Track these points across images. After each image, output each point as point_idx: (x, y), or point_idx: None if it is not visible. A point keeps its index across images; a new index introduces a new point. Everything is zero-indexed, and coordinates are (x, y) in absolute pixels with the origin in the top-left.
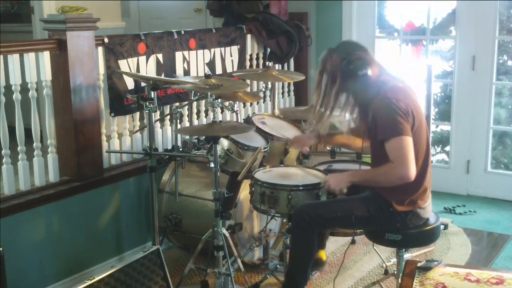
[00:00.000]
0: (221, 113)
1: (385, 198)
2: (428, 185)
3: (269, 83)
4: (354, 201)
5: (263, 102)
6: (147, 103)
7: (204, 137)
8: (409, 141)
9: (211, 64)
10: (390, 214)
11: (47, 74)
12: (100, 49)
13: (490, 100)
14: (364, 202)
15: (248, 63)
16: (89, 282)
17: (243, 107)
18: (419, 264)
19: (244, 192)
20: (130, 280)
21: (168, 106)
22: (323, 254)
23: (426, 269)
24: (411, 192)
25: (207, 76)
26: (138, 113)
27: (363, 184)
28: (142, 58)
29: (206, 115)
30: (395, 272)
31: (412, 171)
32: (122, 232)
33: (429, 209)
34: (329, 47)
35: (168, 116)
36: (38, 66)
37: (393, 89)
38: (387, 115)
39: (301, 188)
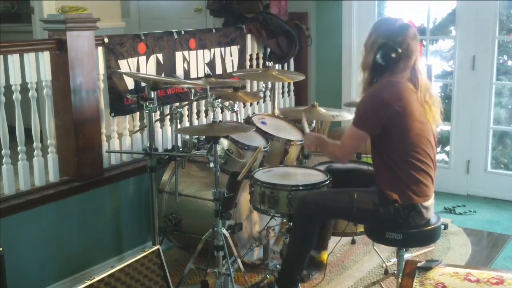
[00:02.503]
0: (221, 113)
1: (388, 193)
2: (427, 182)
3: (269, 83)
4: (360, 194)
5: (263, 102)
6: (147, 103)
7: (204, 137)
8: (361, 135)
9: (211, 64)
10: (394, 210)
11: (47, 74)
12: (100, 49)
13: (490, 100)
14: (369, 195)
15: (248, 63)
16: (89, 282)
17: (243, 107)
18: (419, 264)
19: (244, 192)
20: (130, 280)
21: (168, 106)
22: (324, 256)
23: (426, 269)
24: (404, 184)
25: (207, 76)
26: (138, 113)
27: (319, 148)
28: (142, 58)
29: (206, 115)
30: (395, 272)
31: (343, 156)
32: (122, 232)
33: (431, 209)
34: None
35: (168, 116)
36: (38, 66)
37: (385, 84)
38: (362, 103)
39: (301, 188)
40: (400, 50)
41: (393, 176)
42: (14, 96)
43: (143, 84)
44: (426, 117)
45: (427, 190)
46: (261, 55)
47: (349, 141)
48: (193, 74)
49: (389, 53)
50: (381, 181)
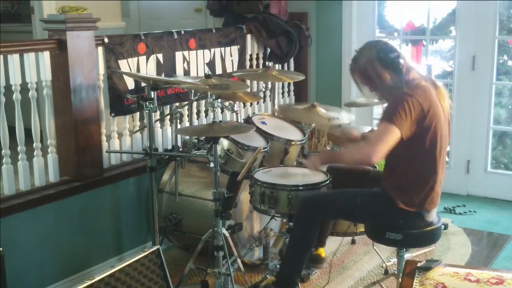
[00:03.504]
0: (221, 113)
1: (392, 197)
2: (438, 189)
3: (269, 83)
4: (363, 194)
5: (263, 102)
6: (147, 103)
7: (204, 137)
8: (394, 132)
9: (211, 64)
10: (395, 211)
11: (47, 74)
12: (100, 49)
13: (490, 100)
14: (372, 196)
15: (248, 63)
16: (89, 282)
17: (243, 107)
18: (419, 264)
19: (244, 192)
20: (130, 280)
21: (168, 106)
22: (322, 251)
23: (426, 269)
24: (418, 193)
25: (207, 76)
26: (138, 113)
27: (332, 163)
28: (142, 58)
29: (206, 115)
30: (395, 272)
31: (377, 156)
32: (122, 232)
33: (434, 212)
34: (355, 49)
35: (168, 116)
36: (38, 66)
37: (413, 86)
38: (393, 102)
39: (301, 188)
40: (397, 47)
41: (409, 183)
42: (14, 96)
43: (143, 84)
44: (445, 114)
45: (436, 198)
46: (261, 55)
47: (382, 137)
48: (193, 74)
49: (390, 54)
50: (391, 186)
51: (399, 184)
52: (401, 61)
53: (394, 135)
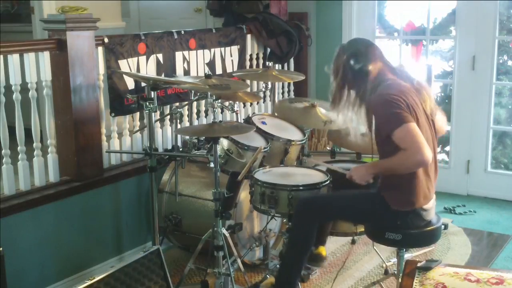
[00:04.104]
0: (221, 113)
1: (385, 198)
2: (428, 185)
3: (269, 83)
4: (360, 196)
5: (263, 102)
6: (147, 103)
7: (204, 137)
8: (413, 126)
9: (211, 64)
10: (391, 212)
11: (47, 74)
12: (100, 49)
13: (490, 100)
14: (369, 197)
15: (248, 63)
16: (89, 282)
17: (243, 107)
18: (419, 264)
19: (244, 192)
20: (130, 280)
21: (168, 106)
22: (322, 250)
23: (426, 269)
24: (407, 192)
25: (207, 76)
26: (138, 113)
27: (384, 174)
28: (142, 58)
29: (206, 115)
30: (395, 272)
31: (427, 154)
32: (122, 232)
33: (432, 211)
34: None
35: (168, 116)
36: (38, 66)
37: (388, 86)
38: (383, 110)
39: (301, 188)
40: (363, 50)
41: (399, 181)
42: (14, 96)
43: (143, 84)
44: (426, 115)
45: (428, 193)
46: (261, 55)
47: (412, 138)
48: (193, 74)
49: (358, 59)
50: (384, 186)
51: (388, 183)
52: (367, 66)
53: (416, 129)
